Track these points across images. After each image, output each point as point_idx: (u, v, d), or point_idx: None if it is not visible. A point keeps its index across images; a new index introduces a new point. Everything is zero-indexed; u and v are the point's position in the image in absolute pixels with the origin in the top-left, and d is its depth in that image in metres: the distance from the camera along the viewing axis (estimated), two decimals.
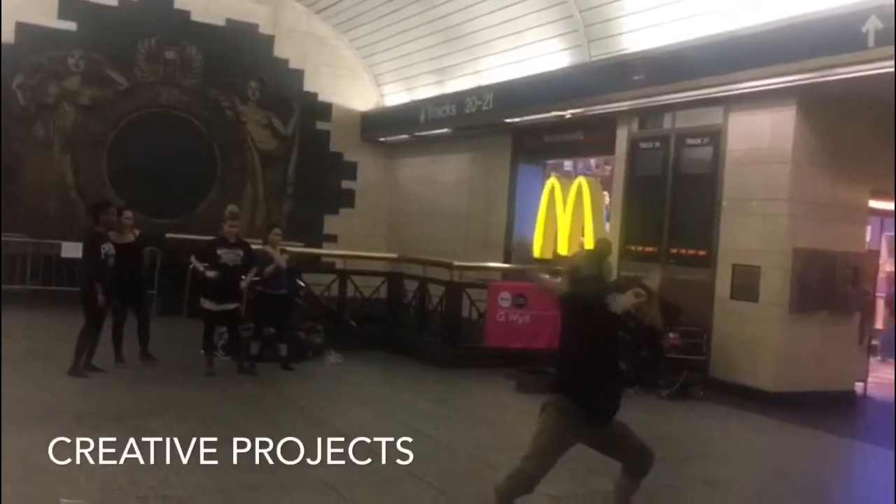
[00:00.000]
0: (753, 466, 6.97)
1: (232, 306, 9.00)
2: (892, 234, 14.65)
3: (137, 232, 9.21)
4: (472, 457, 6.37)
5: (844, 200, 9.51)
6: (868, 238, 11.99)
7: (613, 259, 11.08)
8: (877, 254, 12.29)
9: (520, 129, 13.29)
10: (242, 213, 15.60)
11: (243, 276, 9.01)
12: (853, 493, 6.51)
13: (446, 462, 6.19)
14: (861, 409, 9.58)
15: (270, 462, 5.79)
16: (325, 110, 16.48)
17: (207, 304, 8.96)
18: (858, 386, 10.04)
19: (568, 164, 13.89)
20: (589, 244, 10.89)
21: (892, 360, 12.87)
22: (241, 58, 15.48)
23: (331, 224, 16.49)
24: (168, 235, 12.94)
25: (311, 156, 16.29)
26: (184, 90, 15.26)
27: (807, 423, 8.25)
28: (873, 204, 9.94)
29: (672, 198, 10.53)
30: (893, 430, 7.45)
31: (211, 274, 8.81)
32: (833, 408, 9.01)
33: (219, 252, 8.87)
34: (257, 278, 9.53)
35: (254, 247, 9.59)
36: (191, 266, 9.34)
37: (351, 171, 16.85)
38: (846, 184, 9.50)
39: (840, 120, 9.37)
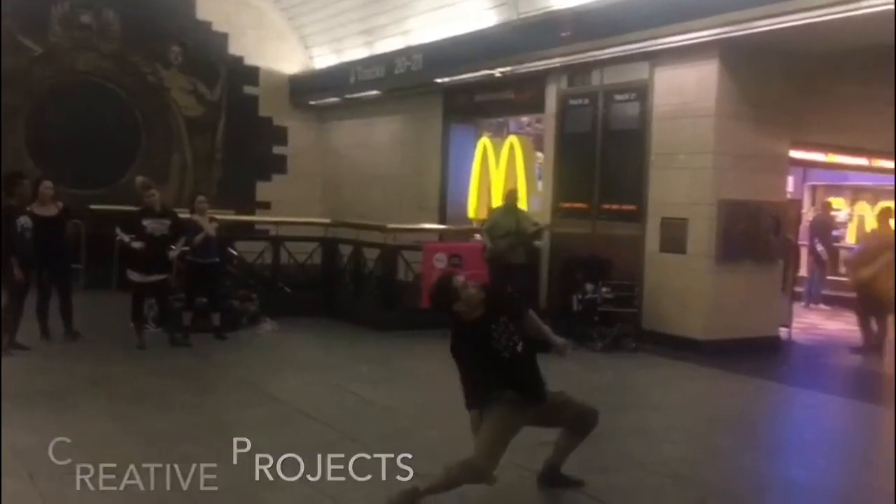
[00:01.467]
0: (685, 413, 7.18)
1: (160, 277, 8.80)
2: (815, 183, 15.17)
3: (61, 204, 8.89)
4: (411, 417, 6.40)
5: (766, 152, 9.75)
6: (791, 188, 12.39)
7: (546, 214, 11.23)
8: (799, 203, 12.69)
9: (450, 89, 13.20)
10: (171, 183, 15.36)
11: (172, 247, 8.80)
12: (779, 432, 6.77)
13: (384, 423, 6.20)
14: (786, 354, 9.93)
15: (203, 430, 5.74)
16: (251, 74, 16.08)
17: (135, 276, 8.77)
18: (783, 331, 10.39)
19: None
20: (497, 202, 10.91)
21: (816, 307, 13.41)
22: (161, 21, 14.95)
23: (263, 191, 16.20)
24: (92, 207, 12.52)
25: (239, 121, 15.92)
26: (102, 56, 14.69)
27: (735, 368, 8.52)
28: (794, 154, 10.20)
29: (602, 154, 10.63)
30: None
31: (137, 245, 8.61)
32: (760, 353, 9.32)
33: (144, 223, 8.67)
34: (187, 248, 9.36)
35: (182, 216, 9.42)
36: (117, 238, 9.08)
37: (281, 136, 16.53)
38: (768, 135, 9.72)
39: (761, 73, 9.55)
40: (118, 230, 8.94)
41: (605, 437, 5.28)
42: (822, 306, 13.41)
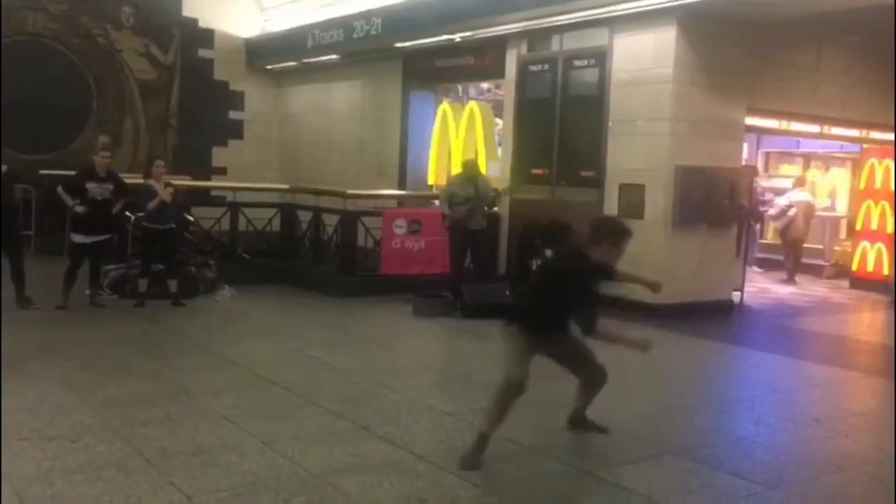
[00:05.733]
0: (638, 374, 7.29)
1: (102, 238, 8.78)
2: (768, 150, 15.41)
3: (4, 167, 8.69)
4: (370, 380, 6.43)
5: (722, 118, 9.87)
6: (745, 155, 12.57)
7: (505, 181, 11.25)
8: (753, 169, 12.89)
9: (410, 54, 13.09)
10: (124, 147, 15.04)
11: (113, 208, 8.79)
12: (730, 391, 6.96)
13: (343, 386, 6.23)
14: (738, 317, 10.16)
15: (161, 396, 5.71)
16: (206, 37, 15.72)
17: (78, 238, 8.77)
18: (736, 295, 10.62)
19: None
20: (456, 168, 10.92)
21: (756, 269, 13.77)
22: None
23: (219, 156, 15.96)
24: (43, 172, 12.22)
25: (194, 85, 15.59)
26: (51, 16, 14.24)
27: (689, 331, 8.71)
28: (749, 121, 10.34)
29: (561, 120, 10.66)
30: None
31: (80, 209, 8.59)
32: (713, 316, 9.54)
33: (88, 186, 8.62)
34: (141, 214, 9.24)
35: (137, 181, 9.29)
36: (60, 198, 8.98)
37: (238, 100, 16.25)
38: (724, 102, 9.84)
39: (718, 40, 9.64)
40: (60, 190, 8.85)
41: (559, 400, 5.38)
42: (755, 268, 13.78)
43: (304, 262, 11.50)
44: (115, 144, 14.83)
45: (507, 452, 4.82)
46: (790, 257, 13.52)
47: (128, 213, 10.28)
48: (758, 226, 13.84)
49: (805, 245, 13.78)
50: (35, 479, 4.15)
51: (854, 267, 12.76)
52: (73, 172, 9.08)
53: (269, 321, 9.06)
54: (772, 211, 13.63)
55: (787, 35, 10.22)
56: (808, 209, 13.58)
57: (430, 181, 13.17)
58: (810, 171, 15.27)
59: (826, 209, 14.89)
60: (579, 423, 5.31)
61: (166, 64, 15.41)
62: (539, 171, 10.94)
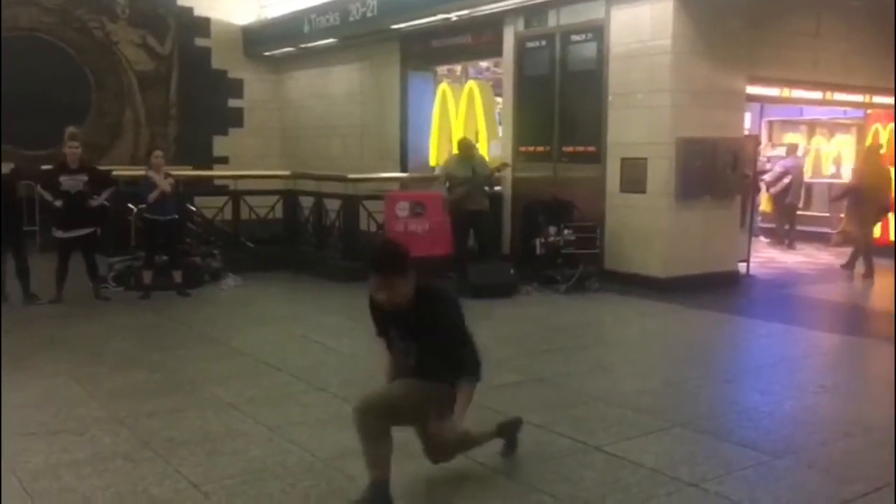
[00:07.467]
0: (644, 347, 7.32)
1: (83, 232, 8.77)
2: (772, 119, 15.31)
3: (11, 165, 8.72)
4: (374, 364, 6.41)
5: (723, 88, 9.78)
6: (748, 124, 12.49)
7: (506, 159, 11.20)
8: (756, 138, 12.81)
9: (407, 36, 13.00)
10: (124, 139, 15.05)
11: (94, 196, 8.80)
12: (737, 361, 6.93)
13: (349, 371, 6.23)
14: (744, 287, 10.12)
15: (167, 386, 5.72)
16: (203, 25, 15.68)
17: (58, 233, 8.81)
18: (742, 266, 10.58)
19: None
20: (456, 149, 10.87)
21: (762, 239, 13.82)
22: None
23: (220, 145, 15.95)
24: (44, 168, 12.20)
25: (192, 75, 15.58)
26: (45, 10, 14.22)
27: (695, 303, 8.68)
28: (750, 90, 10.25)
29: (561, 96, 10.59)
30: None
31: (58, 203, 8.65)
32: (719, 288, 9.51)
33: (61, 179, 8.67)
34: (143, 206, 9.26)
35: (138, 172, 9.30)
36: (37, 196, 9.06)
37: (237, 88, 16.22)
38: (724, 72, 9.75)
39: (716, 8, 9.54)
40: (39, 189, 8.92)
41: (568, 374, 5.38)
42: (761, 238, 13.75)
43: (308, 248, 11.50)
44: (116, 136, 14.91)
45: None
46: (784, 224, 13.79)
47: (130, 205, 10.31)
48: (758, 196, 13.83)
49: (811, 213, 13.75)
50: (43, 472, 4.17)
51: (877, 234, 12.64)
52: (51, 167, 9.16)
53: (274, 308, 9.07)
54: (767, 177, 13.84)
55: (786, 1, 10.09)
56: (800, 175, 14.02)
57: (432, 162, 13.13)
58: (815, 138, 15.17)
59: (832, 176, 14.80)
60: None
61: (163, 54, 15.37)
62: (540, 149, 10.89)
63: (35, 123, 13.49)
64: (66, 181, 8.66)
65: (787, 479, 4.16)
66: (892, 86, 10.99)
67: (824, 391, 5.79)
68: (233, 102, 16.19)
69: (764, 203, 14.42)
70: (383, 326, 3.88)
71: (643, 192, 9.63)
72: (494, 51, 11.78)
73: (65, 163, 8.80)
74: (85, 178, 8.75)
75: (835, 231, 13.80)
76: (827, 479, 4.22)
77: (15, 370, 6.04)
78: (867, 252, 10.92)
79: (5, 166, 8.58)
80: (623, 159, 9.82)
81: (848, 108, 12.94)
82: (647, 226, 9.63)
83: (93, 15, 14.60)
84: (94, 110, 14.73)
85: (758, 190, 13.43)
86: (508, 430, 4.40)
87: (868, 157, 11.59)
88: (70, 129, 9.65)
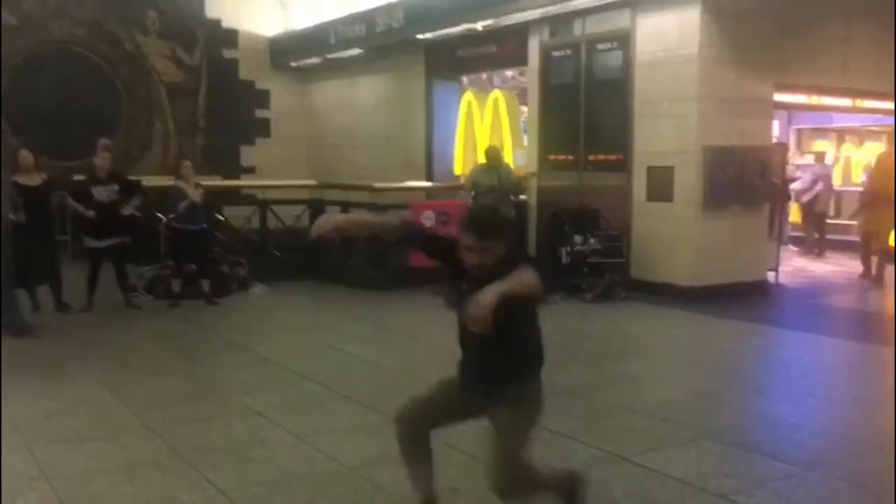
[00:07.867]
0: (671, 357, 7.26)
1: (115, 241, 8.89)
2: (800, 126, 15.15)
3: (44, 175, 8.89)
4: (402, 372, 6.44)
5: (750, 95, 9.70)
6: (776, 132, 12.38)
7: (532, 168, 11.19)
8: (784, 146, 12.69)
9: (433, 45, 13.06)
10: (154, 150, 15.25)
11: (124, 207, 8.94)
12: (767, 372, 6.85)
13: (375, 379, 6.25)
14: (773, 297, 10.01)
15: (195, 394, 5.78)
16: (230, 37, 15.86)
17: (91, 243, 8.94)
18: (770, 275, 10.46)
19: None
20: (482, 158, 10.88)
21: (792, 248, 13.66)
22: None
23: (248, 155, 16.11)
24: (75, 178, 12.40)
25: (220, 86, 15.76)
26: (78, 24, 14.45)
27: (723, 313, 8.59)
28: (779, 97, 10.16)
29: (586, 105, 10.57)
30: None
31: (90, 213, 8.80)
32: (747, 297, 9.41)
33: (92, 191, 8.81)
34: (172, 215, 9.36)
35: (167, 183, 9.41)
36: (69, 207, 9.21)
37: (264, 99, 16.38)
38: (752, 79, 9.67)
39: (743, 15, 9.47)
40: (70, 200, 9.02)
41: (595, 384, 5.35)
42: (790, 247, 13.63)
43: (334, 256, 11.55)
44: (146, 147, 15.12)
45: (540, 440, 4.79)
46: (813, 232, 13.69)
47: (158, 215, 10.43)
48: (788, 204, 13.71)
49: (841, 222, 13.58)
50: (74, 479, 4.22)
51: (891, 242, 12.48)
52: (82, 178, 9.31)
53: (301, 317, 9.13)
54: (797, 185, 13.69)
55: (815, 7, 10.01)
56: (829, 183, 13.95)
57: (457, 171, 13.16)
58: (844, 146, 14.99)
59: (862, 184, 14.58)
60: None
61: (192, 66, 15.57)
62: (566, 157, 10.87)
63: (66, 134, 13.73)
64: (98, 191, 8.81)
65: (819, 493, 4.10)
66: None
67: (857, 403, 5.71)
68: (260, 113, 16.35)
69: (793, 213, 14.30)
70: (457, 280, 3.59)
71: (670, 200, 9.57)
72: (519, 60, 11.80)
73: (95, 173, 8.95)
74: (116, 187, 8.90)
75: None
76: (861, 494, 4.15)
77: (47, 377, 6.14)
78: (881, 258, 10.89)
79: (39, 177, 8.74)
80: (650, 168, 9.77)
81: (879, 115, 12.77)
82: (674, 234, 9.56)
83: (124, 28, 14.84)
84: (125, 121, 14.95)
85: (787, 198, 13.31)
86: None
87: (880, 163, 11.39)
88: (103, 141, 9.92)
